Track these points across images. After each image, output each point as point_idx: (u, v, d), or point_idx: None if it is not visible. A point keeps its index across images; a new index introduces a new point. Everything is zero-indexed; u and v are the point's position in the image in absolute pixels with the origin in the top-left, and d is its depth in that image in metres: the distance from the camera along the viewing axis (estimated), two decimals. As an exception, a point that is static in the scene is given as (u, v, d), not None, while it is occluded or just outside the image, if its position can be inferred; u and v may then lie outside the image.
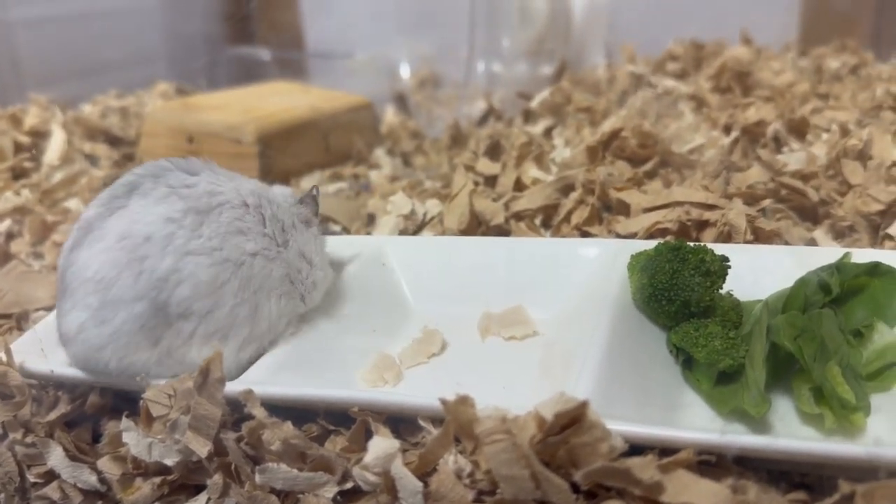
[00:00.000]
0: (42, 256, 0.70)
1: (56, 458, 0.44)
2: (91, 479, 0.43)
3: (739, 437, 0.32)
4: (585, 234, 0.57)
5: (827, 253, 0.47)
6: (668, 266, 0.43)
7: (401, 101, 1.28)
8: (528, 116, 0.99)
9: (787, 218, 0.56)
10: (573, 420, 0.32)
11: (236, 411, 0.41)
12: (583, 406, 0.32)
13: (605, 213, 0.59)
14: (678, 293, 0.42)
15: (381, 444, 0.36)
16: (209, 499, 0.40)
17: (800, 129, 0.68)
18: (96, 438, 0.47)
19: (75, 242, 0.45)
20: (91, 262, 0.43)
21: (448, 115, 1.21)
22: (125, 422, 0.41)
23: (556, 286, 0.50)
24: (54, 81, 1.31)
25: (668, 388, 0.41)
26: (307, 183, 0.88)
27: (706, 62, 1.02)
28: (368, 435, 0.40)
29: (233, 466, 0.40)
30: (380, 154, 0.99)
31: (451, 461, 0.36)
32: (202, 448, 0.39)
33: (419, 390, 0.44)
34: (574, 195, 0.59)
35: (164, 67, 1.67)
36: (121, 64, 1.55)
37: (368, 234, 0.68)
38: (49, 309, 0.62)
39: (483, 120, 1.04)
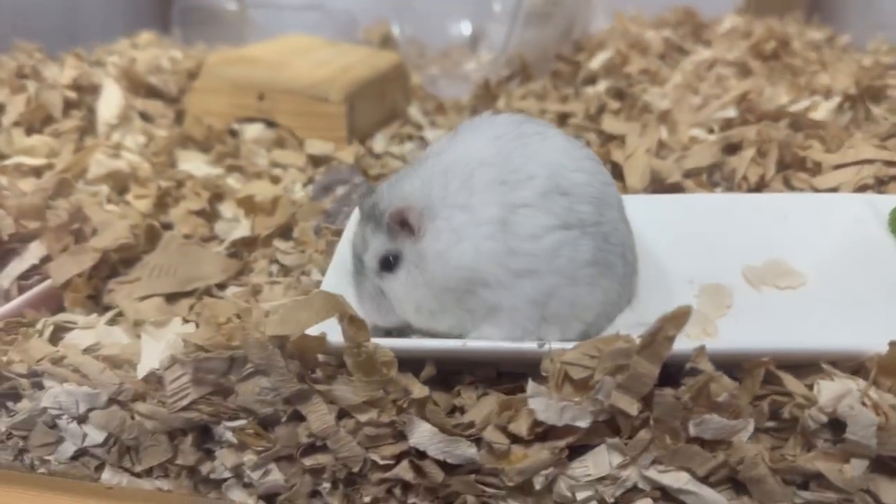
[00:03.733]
0: (170, 226, 0.63)
1: (422, 434, 0.42)
2: (469, 452, 0.42)
3: None
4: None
5: None
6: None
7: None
8: (557, 77, 1.02)
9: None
10: None
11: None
12: None
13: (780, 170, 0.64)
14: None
15: (835, 386, 0.39)
16: (624, 455, 0.41)
17: (876, 96, 0.77)
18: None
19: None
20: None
21: (441, 73, 1.20)
22: (533, 387, 0.40)
23: (805, 240, 0.54)
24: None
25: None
26: (379, 144, 0.84)
27: (703, 30, 1.10)
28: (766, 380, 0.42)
29: (650, 421, 0.40)
30: (415, 112, 0.97)
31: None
32: (630, 406, 0.40)
33: (744, 339, 0.47)
34: (747, 153, 0.64)
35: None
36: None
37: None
38: (221, 286, 0.57)
39: (507, 80, 1.05)
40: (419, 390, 0.42)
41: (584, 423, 0.41)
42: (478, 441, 0.42)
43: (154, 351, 0.46)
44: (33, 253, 0.57)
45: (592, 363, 0.40)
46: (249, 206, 0.63)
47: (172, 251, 0.57)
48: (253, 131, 0.79)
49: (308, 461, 0.44)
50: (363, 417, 0.42)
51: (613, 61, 0.93)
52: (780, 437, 0.42)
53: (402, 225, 0.46)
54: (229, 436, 0.44)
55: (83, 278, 0.54)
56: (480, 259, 0.43)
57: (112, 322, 0.53)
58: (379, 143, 0.85)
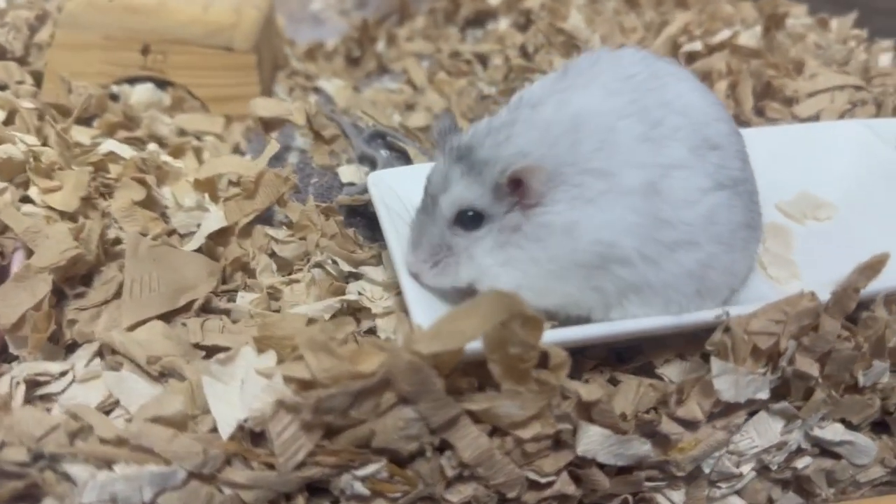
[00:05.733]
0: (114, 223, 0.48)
1: (591, 440, 0.36)
2: (642, 450, 0.37)
3: None
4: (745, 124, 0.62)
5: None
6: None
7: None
8: (434, 15, 0.95)
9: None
10: None
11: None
12: None
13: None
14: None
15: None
16: (791, 419, 0.39)
17: (778, 24, 0.80)
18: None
19: None
20: None
21: (287, 16, 1.07)
22: (719, 365, 0.36)
23: (820, 169, 0.54)
24: None
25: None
26: (282, 96, 0.72)
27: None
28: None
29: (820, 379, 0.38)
30: (294, 61, 0.86)
31: None
32: (812, 368, 0.37)
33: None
34: (720, 86, 0.63)
35: None
36: None
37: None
38: (217, 293, 0.45)
39: (383, 20, 0.96)
40: (587, 392, 0.35)
41: (764, 395, 0.37)
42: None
43: (226, 398, 0.34)
44: (-61, 285, 0.40)
45: (778, 328, 0.36)
46: (211, 188, 0.50)
47: (145, 258, 0.44)
48: (140, 94, 0.63)
49: (453, 497, 0.36)
50: (527, 434, 0.35)
51: (511, -5, 0.87)
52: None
53: (517, 186, 0.38)
54: (358, 487, 0.34)
55: (42, 312, 0.39)
56: (623, 234, 0.37)
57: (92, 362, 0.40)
58: (280, 98, 0.72)
